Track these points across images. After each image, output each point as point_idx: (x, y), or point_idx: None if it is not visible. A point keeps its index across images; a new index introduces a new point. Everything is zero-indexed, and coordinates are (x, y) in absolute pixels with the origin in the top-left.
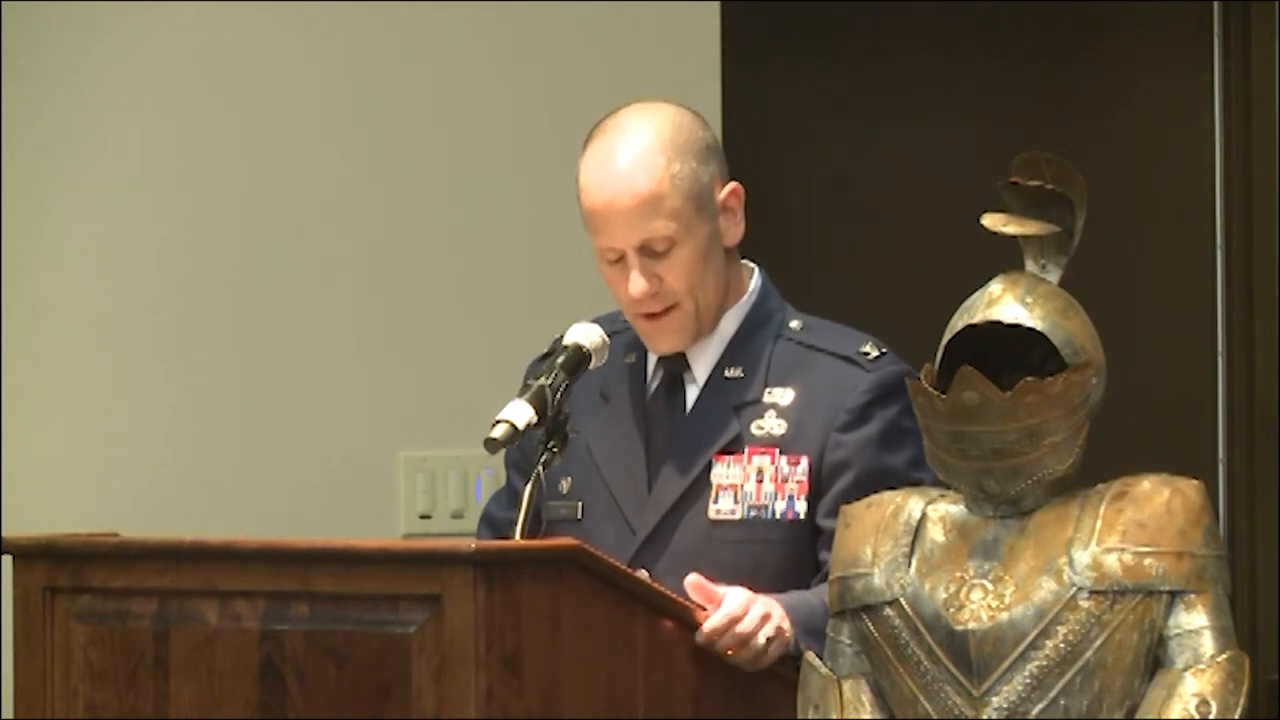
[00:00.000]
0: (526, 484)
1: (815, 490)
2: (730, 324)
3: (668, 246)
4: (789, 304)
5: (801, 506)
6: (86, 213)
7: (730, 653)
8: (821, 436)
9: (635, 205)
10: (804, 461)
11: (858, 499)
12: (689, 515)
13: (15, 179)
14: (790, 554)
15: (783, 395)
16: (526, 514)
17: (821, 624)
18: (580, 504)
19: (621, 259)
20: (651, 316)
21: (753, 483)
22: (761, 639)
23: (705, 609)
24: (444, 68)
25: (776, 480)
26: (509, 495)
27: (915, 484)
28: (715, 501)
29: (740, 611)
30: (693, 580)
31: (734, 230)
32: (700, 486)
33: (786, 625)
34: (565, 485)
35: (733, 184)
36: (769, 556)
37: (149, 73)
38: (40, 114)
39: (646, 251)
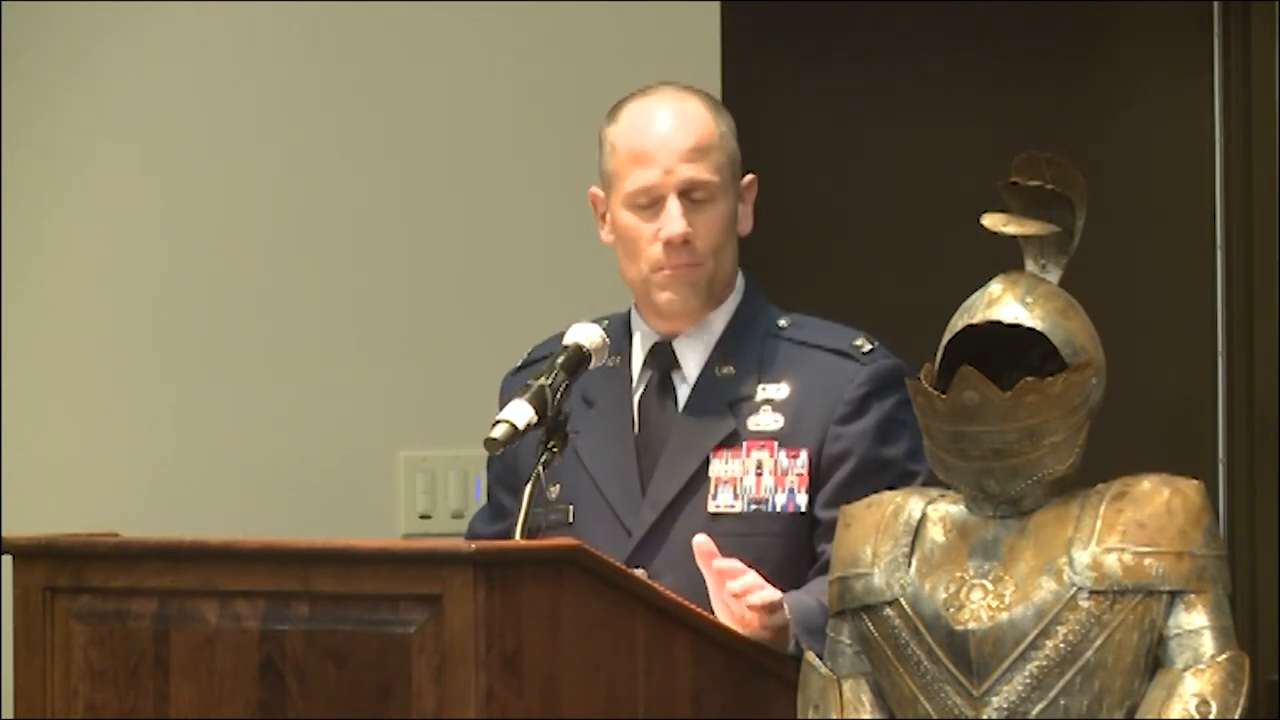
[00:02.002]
0: (525, 484)
1: (815, 482)
2: (719, 321)
3: (707, 197)
4: (775, 304)
5: (802, 499)
6: (87, 213)
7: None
8: (820, 429)
9: (690, 145)
10: (803, 454)
11: (856, 489)
12: (687, 511)
13: (15, 179)
14: (791, 547)
15: (777, 391)
16: (527, 513)
17: (820, 623)
18: (570, 508)
19: (655, 204)
20: (678, 266)
21: (752, 476)
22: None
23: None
24: (443, 68)
25: (776, 473)
26: (493, 511)
27: (912, 474)
28: (714, 496)
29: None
30: (701, 543)
31: (746, 220)
32: (698, 482)
33: (788, 624)
34: (554, 492)
35: (751, 175)
36: (770, 550)
37: (149, 73)
38: (40, 114)
39: (687, 196)
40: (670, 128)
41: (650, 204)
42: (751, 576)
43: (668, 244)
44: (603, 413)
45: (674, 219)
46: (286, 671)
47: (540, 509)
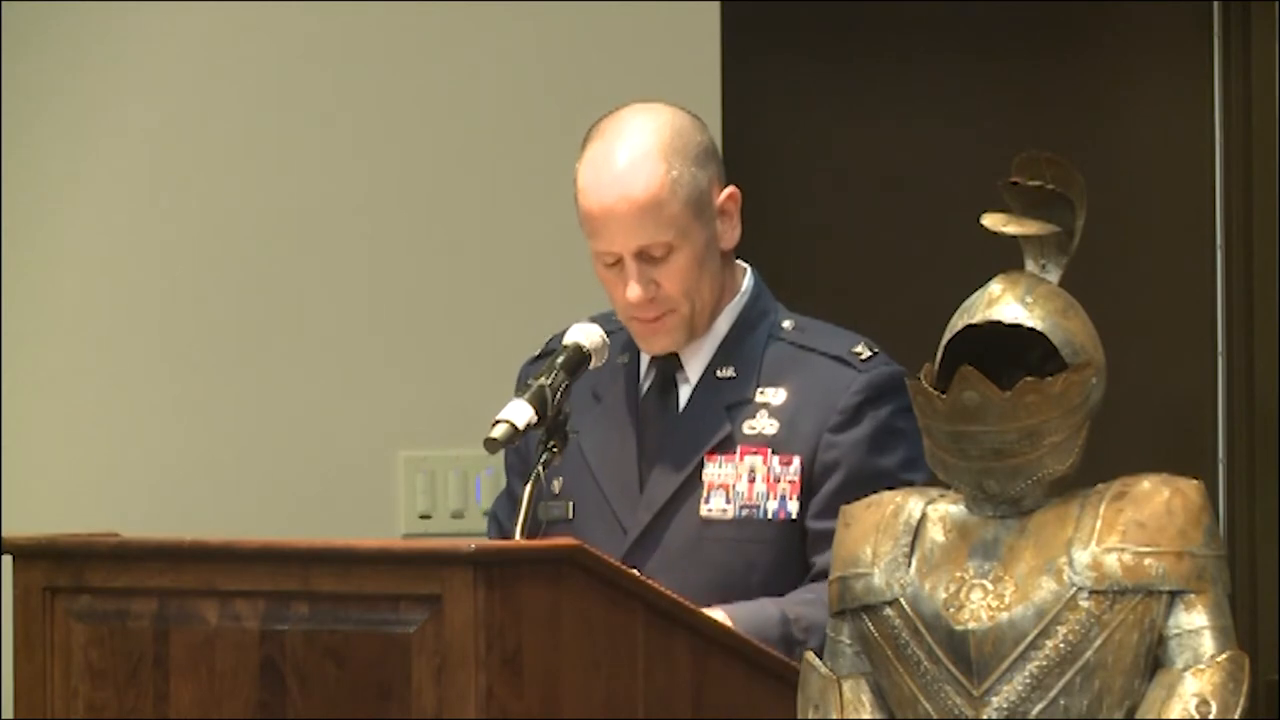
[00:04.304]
0: (525, 484)
1: (807, 490)
2: (723, 324)
3: (665, 253)
4: (781, 304)
5: (793, 506)
6: (87, 213)
7: None
8: (814, 437)
9: (633, 212)
10: (796, 461)
11: (847, 499)
12: (680, 514)
13: (15, 179)
14: (782, 554)
15: (775, 395)
16: (526, 514)
17: (774, 632)
18: (571, 503)
19: (618, 263)
20: (646, 320)
21: (744, 482)
22: None
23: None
24: (443, 67)
25: (768, 480)
26: (511, 503)
27: (906, 485)
28: (707, 501)
29: None
30: None
31: (730, 234)
32: (692, 485)
33: None
34: (557, 485)
35: (730, 188)
36: (761, 556)
37: (150, 72)
38: (40, 114)
39: (644, 257)
40: (614, 196)
41: (614, 263)
42: None
43: (633, 304)
44: (609, 410)
45: (631, 286)
46: (286, 671)
47: (544, 502)
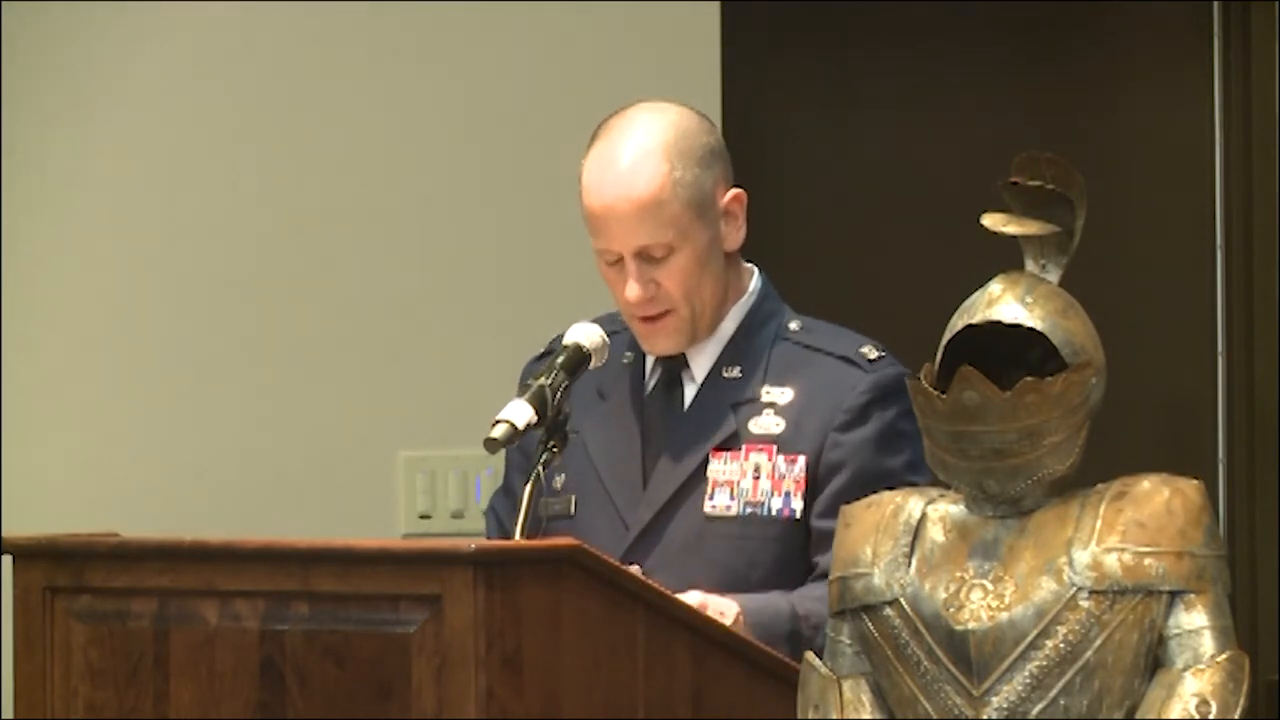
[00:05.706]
0: (525, 483)
1: (812, 489)
2: (730, 324)
3: (665, 253)
4: (787, 305)
5: (798, 504)
6: (87, 213)
7: None
8: (819, 436)
9: (634, 212)
10: (801, 460)
11: (851, 499)
12: (684, 510)
13: (15, 178)
14: (785, 551)
15: (781, 394)
16: (526, 514)
17: (784, 628)
18: (573, 499)
19: (620, 261)
20: (647, 319)
21: (749, 479)
22: None
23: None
24: (443, 68)
25: (773, 478)
26: (512, 503)
27: (910, 486)
28: (711, 497)
29: None
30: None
31: (735, 236)
32: (696, 482)
33: (740, 628)
34: (559, 481)
35: (735, 190)
36: (764, 554)
37: (150, 73)
38: (41, 113)
39: (644, 257)
40: (616, 194)
41: (615, 261)
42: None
43: (631, 304)
44: (614, 407)
45: (630, 285)
46: (286, 671)
47: (547, 497)
